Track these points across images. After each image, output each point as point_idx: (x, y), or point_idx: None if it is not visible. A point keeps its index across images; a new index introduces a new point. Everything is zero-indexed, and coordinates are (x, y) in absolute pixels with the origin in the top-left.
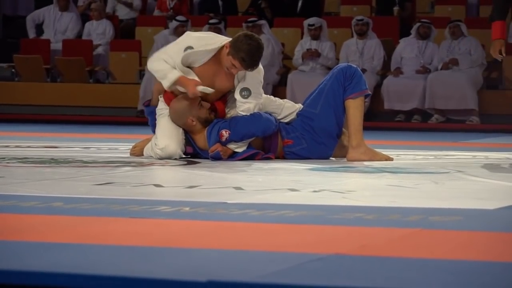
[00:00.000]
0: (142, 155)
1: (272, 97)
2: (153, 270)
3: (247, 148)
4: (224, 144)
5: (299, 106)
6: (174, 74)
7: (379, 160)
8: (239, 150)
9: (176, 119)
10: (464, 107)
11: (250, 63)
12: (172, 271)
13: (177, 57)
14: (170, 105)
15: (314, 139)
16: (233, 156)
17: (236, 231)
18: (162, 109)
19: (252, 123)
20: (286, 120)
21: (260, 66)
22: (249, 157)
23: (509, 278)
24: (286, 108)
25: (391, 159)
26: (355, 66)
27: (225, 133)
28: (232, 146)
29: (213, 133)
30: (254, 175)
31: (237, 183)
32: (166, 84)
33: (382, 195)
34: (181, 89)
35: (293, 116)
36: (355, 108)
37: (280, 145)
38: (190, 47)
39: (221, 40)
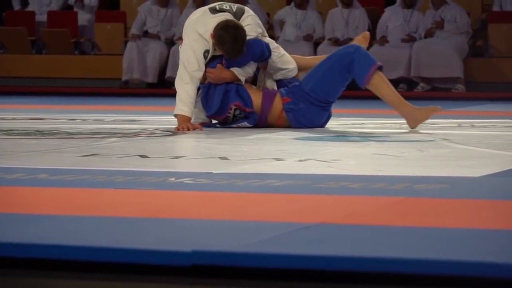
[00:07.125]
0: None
1: (275, 42)
2: (138, 240)
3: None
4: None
5: (294, 66)
6: (183, 111)
7: (428, 115)
8: (241, 77)
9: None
10: (449, 75)
11: (234, 54)
12: (157, 241)
13: (201, 64)
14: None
15: (310, 102)
16: (230, 122)
17: (221, 200)
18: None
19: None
20: (278, 76)
21: (251, 14)
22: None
23: (495, 244)
24: (282, 62)
25: (438, 108)
26: (349, 50)
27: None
28: (236, 70)
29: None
30: (239, 145)
31: (223, 153)
32: (175, 110)
33: (367, 163)
34: None
35: (287, 75)
36: (377, 86)
37: (279, 103)
38: (207, 51)
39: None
